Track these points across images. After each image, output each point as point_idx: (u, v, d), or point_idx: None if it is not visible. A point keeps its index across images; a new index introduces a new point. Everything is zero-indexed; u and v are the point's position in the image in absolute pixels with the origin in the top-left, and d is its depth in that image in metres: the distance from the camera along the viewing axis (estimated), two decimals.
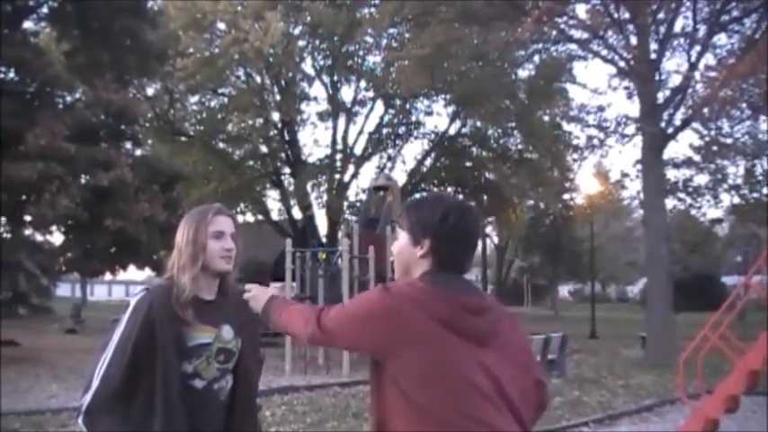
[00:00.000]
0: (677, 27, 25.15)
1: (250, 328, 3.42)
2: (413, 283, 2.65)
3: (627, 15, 23.98)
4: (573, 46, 27.93)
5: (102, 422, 2.99)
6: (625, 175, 31.43)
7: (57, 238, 23.69)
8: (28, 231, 23.00)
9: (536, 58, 32.44)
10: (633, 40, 24.20)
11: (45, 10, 23.07)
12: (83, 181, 20.24)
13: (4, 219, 22.02)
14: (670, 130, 24.48)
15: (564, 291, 79.32)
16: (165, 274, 3.32)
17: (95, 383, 3.01)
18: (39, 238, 23.89)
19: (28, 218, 20.69)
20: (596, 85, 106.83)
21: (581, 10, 25.68)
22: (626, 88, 27.13)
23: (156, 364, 3.04)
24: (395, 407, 2.56)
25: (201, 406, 3.16)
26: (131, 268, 23.82)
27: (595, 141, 30.04)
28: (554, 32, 26.14)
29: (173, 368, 3.08)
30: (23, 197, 19.56)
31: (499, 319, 2.71)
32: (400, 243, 2.79)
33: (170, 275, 3.27)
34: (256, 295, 3.17)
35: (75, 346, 24.22)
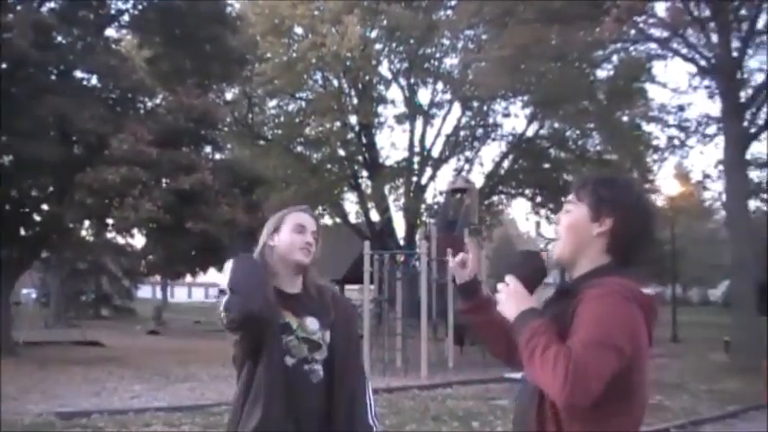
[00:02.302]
0: (760, 24, 24.69)
1: (344, 328, 3.46)
2: (634, 284, 2.49)
3: (708, 13, 23.59)
4: (653, 45, 27.56)
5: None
6: (707, 176, 30.91)
7: (139, 241, 24.09)
8: (111, 235, 23.44)
9: (615, 58, 32.07)
10: (714, 38, 23.80)
11: (127, 17, 23.52)
12: (165, 185, 20.53)
13: (88, 222, 22.45)
14: (753, 130, 24.04)
15: None
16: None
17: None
18: (121, 241, 24.35)
19: (111, 221, 21.06)
20: (677, 84, 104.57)
21: (660, 8, 25.33)
22: (707, 87, 26.70)
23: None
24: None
25: (293, 384, 3.21)
26: (211, 271, 24.05)
27: (676, 142, 29.69)
28: (633, 31, 25.81)
29: (275, 334, 3.23)
30: (107, 201, 19.91)
31: None
32: (576, 217, 2.64)
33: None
34: (510, 300, 2.59)
35: (157, 346, 24.66)
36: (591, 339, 2.31)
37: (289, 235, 3.41)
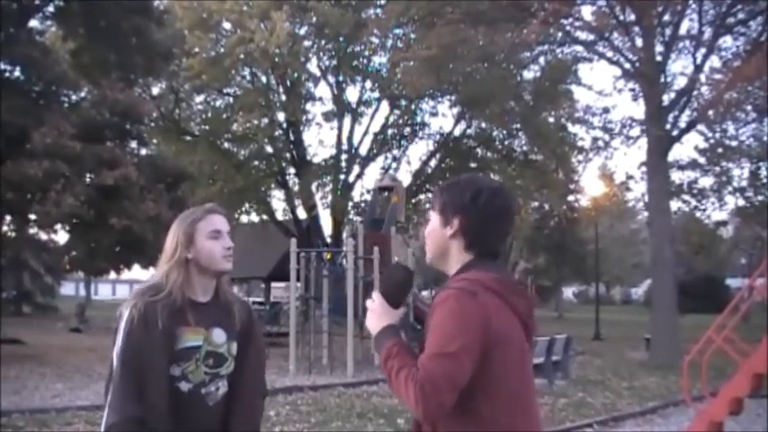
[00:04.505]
0: (683, 29, 25.26)
1: (251, 335, 3.31)
2: (484, 276, 2.57)
3: (633, 17, 23.99)
4: (578, 48, 27.96)
5: None
6: (630, 177, 31.50)
7: (61, 236, 23.70)
8: (32, 230, 23.01)
9: (541, 60, 32.43)
10: (639, 42, 24.22)
11: (51, 9, 23.11)
12: (88, 180, 20.24)
13: (9, 217, 22.02)
14: (675, 133, 24.51)
15: (568, 292, 79.30)
16: (155, 277, 3.22)
17: (111, 417, 2.95)
18: (43, 236, 23.90)
19: (33, 216, 20.68)
20: (601, 87, 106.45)
21: (587, 12, 25.73)
22: (631, 90, 27.17)
23: (144, 369, 2.98)
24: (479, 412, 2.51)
25: (187, 409, 3.05)
26: (136, 267, 23.74)
27: (600, 143, 30.17)
28: (560, 34, 26.16)
29: (158, 372, 3.00)
30: (29, 196, 19.55)
31: None
32: (432, 224, 2.75)
33: (160, 278, 3.17)
34: (372, 316, 2.70)
35: (79, 344, 24.26)
36: (433, 352, 2.44)
37: (207, 243, 3.19)
